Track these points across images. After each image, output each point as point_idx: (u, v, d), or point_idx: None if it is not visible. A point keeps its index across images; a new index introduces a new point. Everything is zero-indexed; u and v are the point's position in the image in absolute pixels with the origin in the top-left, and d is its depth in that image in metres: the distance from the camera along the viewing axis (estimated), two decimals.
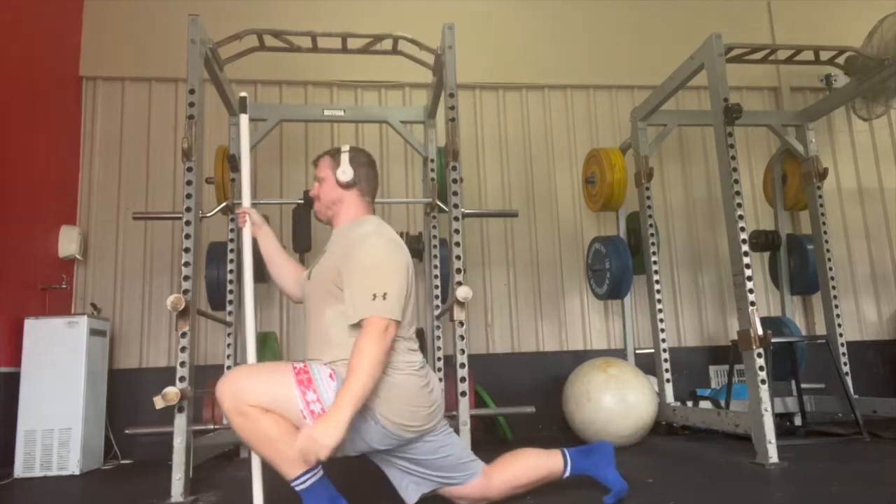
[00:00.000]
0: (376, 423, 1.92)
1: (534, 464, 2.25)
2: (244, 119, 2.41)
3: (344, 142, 4.80)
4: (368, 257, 1.97)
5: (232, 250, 3.81)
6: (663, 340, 4.11)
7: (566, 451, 2.28)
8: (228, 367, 3.75)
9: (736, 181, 3.21)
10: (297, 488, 1.89)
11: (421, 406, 1.99)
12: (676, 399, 4.08)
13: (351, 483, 2.21)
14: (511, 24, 5.11)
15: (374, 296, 1.89)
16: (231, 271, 3.79)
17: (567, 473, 2.24)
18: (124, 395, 4.12)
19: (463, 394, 2.85)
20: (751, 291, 3.06)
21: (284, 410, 1.86)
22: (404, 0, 4.85)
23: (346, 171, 2.15)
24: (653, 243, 4.23)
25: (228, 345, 3.78)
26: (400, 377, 1.96)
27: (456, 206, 3.10)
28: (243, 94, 2.45)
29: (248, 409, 1.84)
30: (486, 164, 4.93)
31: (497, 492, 2.18)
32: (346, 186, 2.16)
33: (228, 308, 3.77)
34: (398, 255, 2.03)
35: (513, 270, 4.84)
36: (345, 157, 2.17)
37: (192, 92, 2.94)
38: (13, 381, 3.50)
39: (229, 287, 3.77)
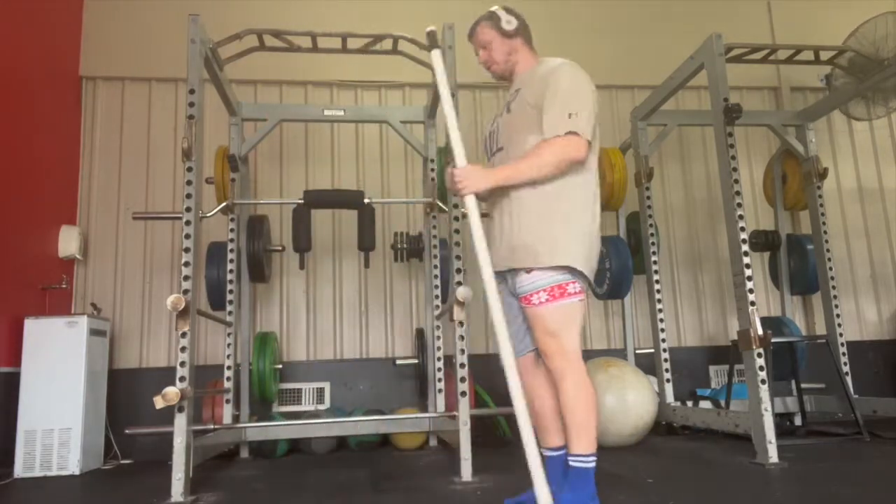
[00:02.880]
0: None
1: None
2: (437, 55, 2.25)
3: (344, 142, 4.81)
4: (566, 81, 2.08)
5: (232, 250, 3.81)
6: (663, 340, 4.11)
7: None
8: (228, 367, 3.76)
9: (736, 181, 3.21)
10: (575, 464, 1.97)
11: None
12: (676, 399, 4.08)
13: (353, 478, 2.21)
14: None
15: (570, 115, 2.01)
16: (231, 271, 3.79)
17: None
18: (124, 395, 4.12)
19: (463, 394, 2.85)
20: (751, 291, 3.06)
21: (565, 318, 2.04)
22: (404, 0, 4.85)
23: (510, 21, 2.24)
24: (653, 243, 4.23)
25: (228, 345, 3.78)
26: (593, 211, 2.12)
27: (456, 206, 3.10)
28: (431, 28, 2.37)
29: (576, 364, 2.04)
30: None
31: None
32: (514, 34, 2.25)
33: (228, 308, 3.77)
34: (590, 84, 2.12)
35: None
36: (501, 12, 2.26)
37: (192, 92, 2.94)
38: (13, 381, 3.50)
39: (229, 287, 3.77)
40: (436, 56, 2.25)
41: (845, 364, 4.11)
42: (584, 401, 2.03)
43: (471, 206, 2.07)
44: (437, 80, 2.22)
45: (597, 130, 2.12)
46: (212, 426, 3.55)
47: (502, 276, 2.16)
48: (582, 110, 2.02)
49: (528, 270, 2.05)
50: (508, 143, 2.19)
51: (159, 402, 2.52)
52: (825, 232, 4.28)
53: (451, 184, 2.09)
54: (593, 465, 1.99)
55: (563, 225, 2.05)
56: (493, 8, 2.29)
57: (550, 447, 2.19)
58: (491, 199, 2.23)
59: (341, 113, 4.14)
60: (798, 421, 4.02)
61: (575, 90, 2.06)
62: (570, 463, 1.99)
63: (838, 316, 4.22)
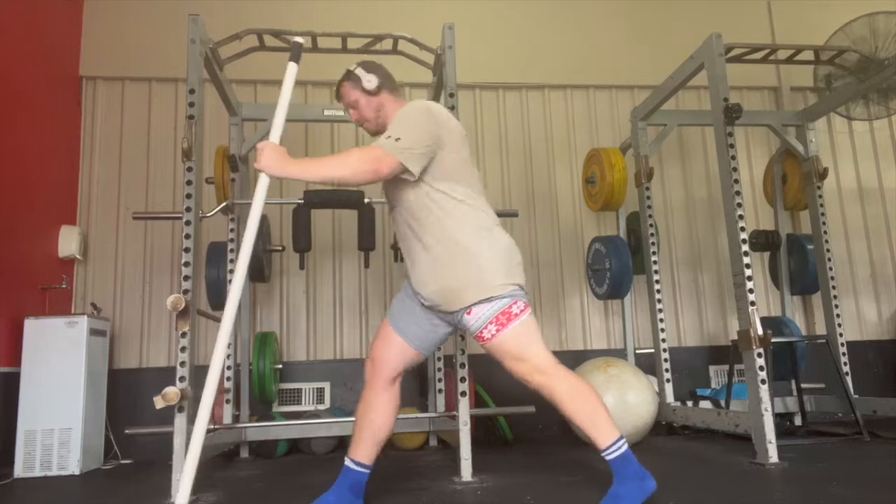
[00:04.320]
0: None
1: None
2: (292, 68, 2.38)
3: (344, 142, 4.81)
4: (400, 115, 2.15)
5: (232, 250, 3.81)
6: (663, 340, 4.11)
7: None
8: (228, 368, 3.76)
9: (736, 181, 3.21)
10: (609, 457, 2.03)
11: None
12: (676, 399, 4.08)
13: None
14: (511, 24, 5.10)
15: (388, 136, 2.06)
16: (231, 271, 3.79)
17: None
18: (124, 395, 4.12)
19: (463, 394, 2.85)
20: (751, 291, 3.06)
21: (522, 338, 2.09)
22: (404, 0, 4.85)
23: (370, 80, 2.30)
24: (653, 243, 4.23)
25: (228, 345, 3.77)
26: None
27: None
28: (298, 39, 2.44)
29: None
30: (486, 164, 4.93)
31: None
32: (377, 91, 2.31)
33: None
34: (422, 114, 2.14)
35: None
36: (360, 72, 2.32)
37: (192, 92, 2.95)
38: (13, 381, 3.50)
39: (229, 287, 3.76)
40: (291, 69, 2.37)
41: (845, 364, 4.10)
42: (583, 402, 2.06)
43: (260, 183, 2.12)
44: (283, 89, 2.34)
45: (457, 152, 2.16)
46: (212, 426, 3.55)
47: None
48: (405, 136, 2.04)
49: (468, 311, 2.07)
50: (389, 192, 2.24)
51: (159, 402, 2.52)
52: (825, 232, 4.27)
53: (259, 152, 2.12)
54: (624, 447, 2.03)
55: (470, 259, 2.08)
56: (352, 67, 2.34)
57: (355, 459, 2.21)
58: (398, 233, 2.27)
59: (341, 113, 4.12)
60: (798, 421, 4.02)
61: (403, 120, 2.11)
62: (606, 458, 2.05)
63: (838, 316, 4.21)
